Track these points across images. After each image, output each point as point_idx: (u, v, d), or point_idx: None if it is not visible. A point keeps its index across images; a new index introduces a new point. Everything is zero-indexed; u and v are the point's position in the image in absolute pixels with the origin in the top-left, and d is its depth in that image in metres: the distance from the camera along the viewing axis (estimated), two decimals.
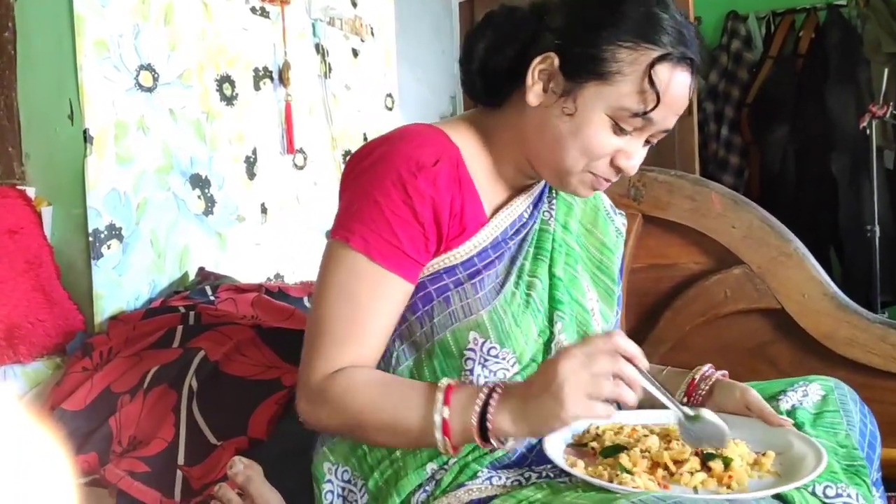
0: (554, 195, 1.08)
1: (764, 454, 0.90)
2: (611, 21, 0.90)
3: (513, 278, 0.97)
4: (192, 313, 1.49)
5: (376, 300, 0.92)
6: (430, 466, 0.93)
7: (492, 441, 0.83)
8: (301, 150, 2.21)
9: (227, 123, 1.96)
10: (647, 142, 0.97)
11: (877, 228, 3.14)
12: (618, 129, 0.92)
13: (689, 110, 2.97)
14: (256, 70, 2.06)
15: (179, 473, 1.24)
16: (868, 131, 3.10)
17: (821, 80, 3.77)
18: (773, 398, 1.06)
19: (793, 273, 1.42)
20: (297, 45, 2.20)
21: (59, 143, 1.61)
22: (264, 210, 2.07)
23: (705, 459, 0.86)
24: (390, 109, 2.68)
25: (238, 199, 1.99)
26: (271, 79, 2.11)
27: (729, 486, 0.83)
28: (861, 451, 0.98)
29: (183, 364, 1.35)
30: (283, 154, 2.15)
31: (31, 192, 1.60)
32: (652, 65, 0.89)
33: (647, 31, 0.90)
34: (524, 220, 1.02)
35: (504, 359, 0.96)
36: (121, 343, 1.44)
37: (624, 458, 0.86)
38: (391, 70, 2.69)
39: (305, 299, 1.68)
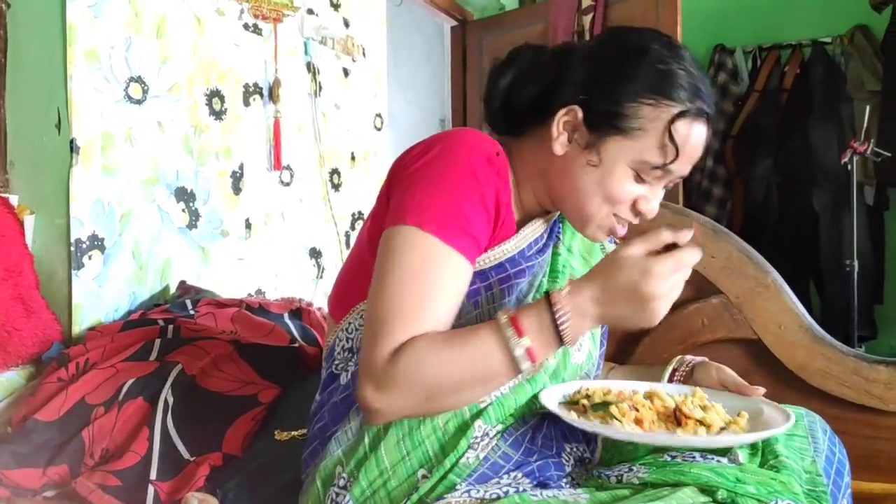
0: (559, 221, 1.12)
1: (739, 414, 0.98)
2: (631, 78, 0.95)
3: (532, 293, 1.01)
4: (170, 326, 1.49)
5: (447, 281, 0.92)
6: (421, 472, 0.94)
7: (571, 342, 0.88)
8: (288, 167, 2.22)
9: (215, 138, 1.97)
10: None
11: (856, 263, 3.17)
12: (639, 179, 0.98)
13: None
14: (247, 86, 2.07)
15: (151, 488, 1.23)
16: (849, 167, 3.15)
17: (804, 114, 3.83)
18: None
19: (770, 304, 1.44)
20: (289, 63, 2.22)
21: (46, 152, 1.61)
22: (248, 225, 2.08)
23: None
24: (379, 129, 2.70)
25: (223, 213, 1.99)
26: (261, 95, 2.12)
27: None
28: (828, 478, 1.00)
29: (159, 377, 1.35)
30: (269, 170, 2.15)
31: (14, 199, 1.60)
32: (672, 121, 0.94)
33: (666, 87, 0.95)
34: (544, 240, 1.07)
35: None
36: (98, 355, 1.43)
37: (613, 409, 0.94)
38: (381, 90, 2.71)
39: (286, 315, 1.68)
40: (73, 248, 1.59)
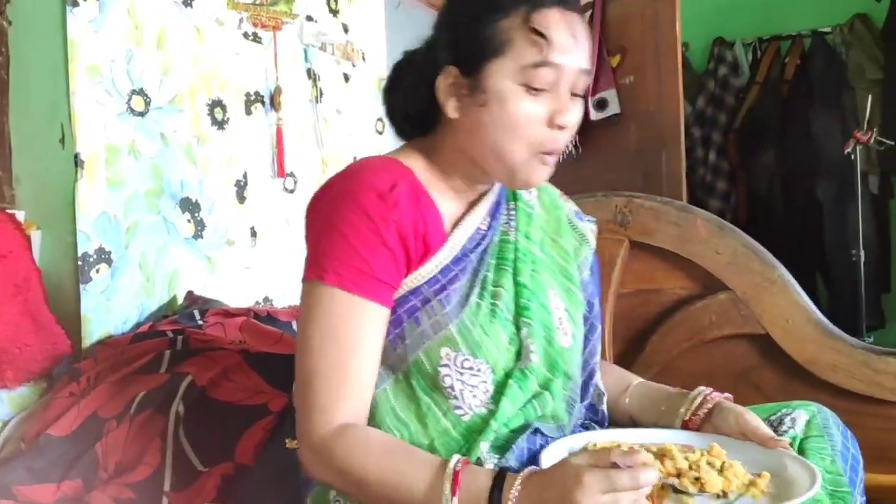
0: (512, 207, 1.11)
1: (759, 475, 0.91)
2: (481, 11, 0.97)
3: (476, 290, 1.00)
4: (179, 338, 1.49)
5: (361, 334, 0.94)
6: None
7: None
8: (291, 174, 2.22)
9: (218, 147, 1.97)
10: (573, 95, 0.98)
11: (861, 253, 3.16)
12: (533, 91, 0.95)
13: (675, 136, 3.04)
14: (248, 95, 2.08)
15: (165, 500, 1.23)
16: (853, 157, 3.14)
17: (806, 105, 3.83)
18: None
19: (777, 299, 1.44)
20: (289, 71, 2.22)
21: (50, 166, 1.62)
22: (254, 234, 2.08)
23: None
24: (380, 133, 2.70)
25: (228, 222, 1.99)
26: (263, 103, 2.13)
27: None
28: (845, 476, 0.99)
29: (170, 389, 1.35)
30: (273, 178, 2.16)
31: (20, 215, 1.60)
32: (527, 18, 0.94)
33: None
34: (482, 232, 1.06)
35: (479, 370, 0.98)
36: (108, 368, 1.44)
37: None
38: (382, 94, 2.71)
39: (294, 323, 1.68)
40: (80, 262, 1.59)
